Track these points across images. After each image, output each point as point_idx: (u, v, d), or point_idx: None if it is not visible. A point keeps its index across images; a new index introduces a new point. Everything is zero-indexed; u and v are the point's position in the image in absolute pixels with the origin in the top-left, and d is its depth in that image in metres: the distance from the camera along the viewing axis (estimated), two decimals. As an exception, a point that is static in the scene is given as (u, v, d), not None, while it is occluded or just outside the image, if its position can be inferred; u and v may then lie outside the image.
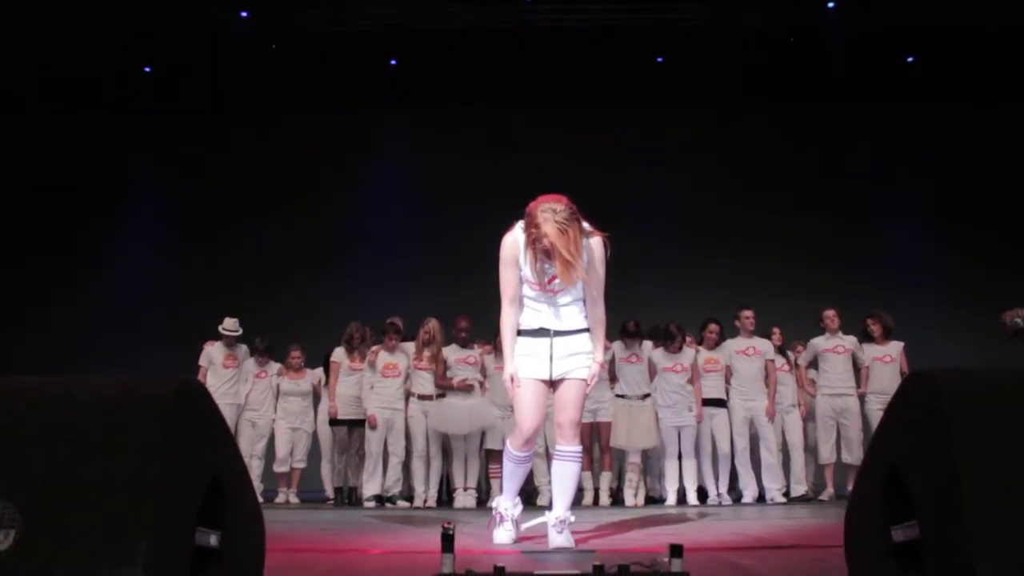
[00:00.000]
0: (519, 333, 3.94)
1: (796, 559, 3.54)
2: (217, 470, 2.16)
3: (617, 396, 7.49)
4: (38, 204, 11.31)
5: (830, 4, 10.29)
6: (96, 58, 10.52)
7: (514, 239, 3.85)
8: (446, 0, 10.33)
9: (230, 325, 8.41)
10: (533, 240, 3.67)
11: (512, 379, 3.92)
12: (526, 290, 3.90)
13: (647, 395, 7.47)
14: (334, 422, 8.00)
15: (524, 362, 3.89)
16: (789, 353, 8.19)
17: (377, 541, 4.40)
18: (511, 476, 4.11)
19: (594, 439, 7.59)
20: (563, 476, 3.94)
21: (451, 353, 7.59)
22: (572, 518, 3.94)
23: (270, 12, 10.47)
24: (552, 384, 3.93)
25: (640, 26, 10.52)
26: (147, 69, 11.17)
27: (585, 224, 3.79)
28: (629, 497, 7.41)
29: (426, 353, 7.62)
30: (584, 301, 3.94)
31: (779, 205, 11.26)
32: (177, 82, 10.99)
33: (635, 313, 7.91)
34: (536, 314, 3.90)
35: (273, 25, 10.63)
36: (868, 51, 10.48)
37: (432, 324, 7.67)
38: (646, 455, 7.62)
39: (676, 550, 2.11)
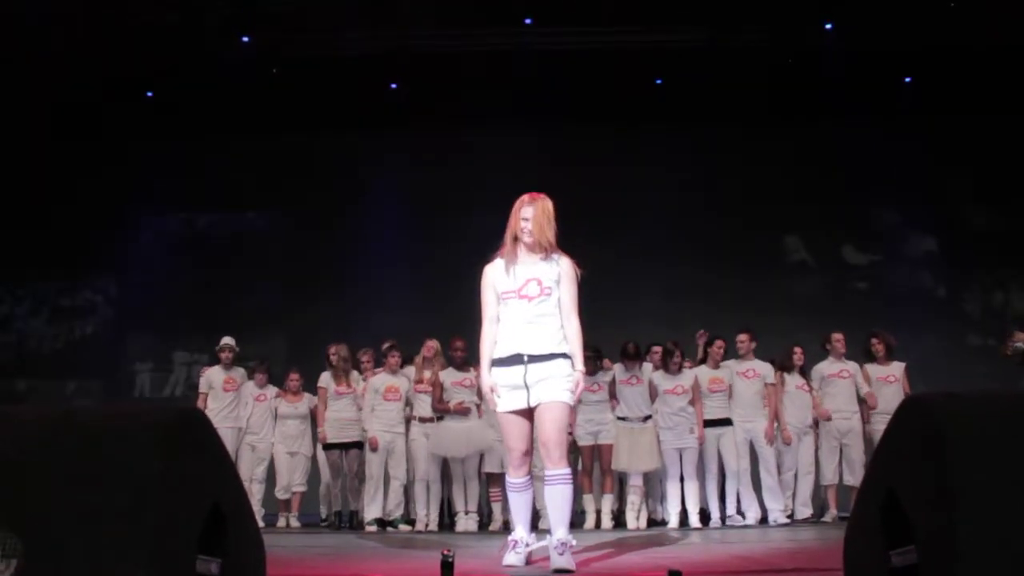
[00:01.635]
0: (495, 363, 4.10)
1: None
2: (217, 497, 2.17)
3: (618, 419, 7.47)
4: (39, 223, 11.28)
5: (828, 25, 10.33)
6: (98, 83, 10.57)
7: (491, 265, 4.21)
8: (446, 23, 10.38)
9: (229, 342, 8.39)
10: (519, 208, 4.15)
11: (492, 390, 4.10)
12: (503, 308, 4.12)
13: (648, 417, 7.46)
14: (326, 446, 8.00)
15: (502, 395, 4.07)
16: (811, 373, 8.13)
17: (379, 566, 4.39)
18: (516, 508, 4.22)
19: (595, 462, 7.57)
20: (557, 499, 4.00)
21: (447, 376, 7.55)
22: (574, 541, 3.94)
23: (271, 36, 10.52)
24: (532, 411, 4.05)
25: (638, 49, 10.57)
26: (149, 94, 11.22)
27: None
28: (631, 520, 7.37)
29: (426, 375, 7.62)
30: (558, 319, 4.10)
31: (778, 222, 11.31)
32: (178, 107, 11.01)
33: (637, 331, 7.91)
34: (511, 336, 4.06)
35: (274, 49, 10.68)
36: (866, 70, 10.51)
37: (433, 344, 7.68)
38: (648, 477, 7.60)
39: (675, 575, 2.11)
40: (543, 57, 10.59)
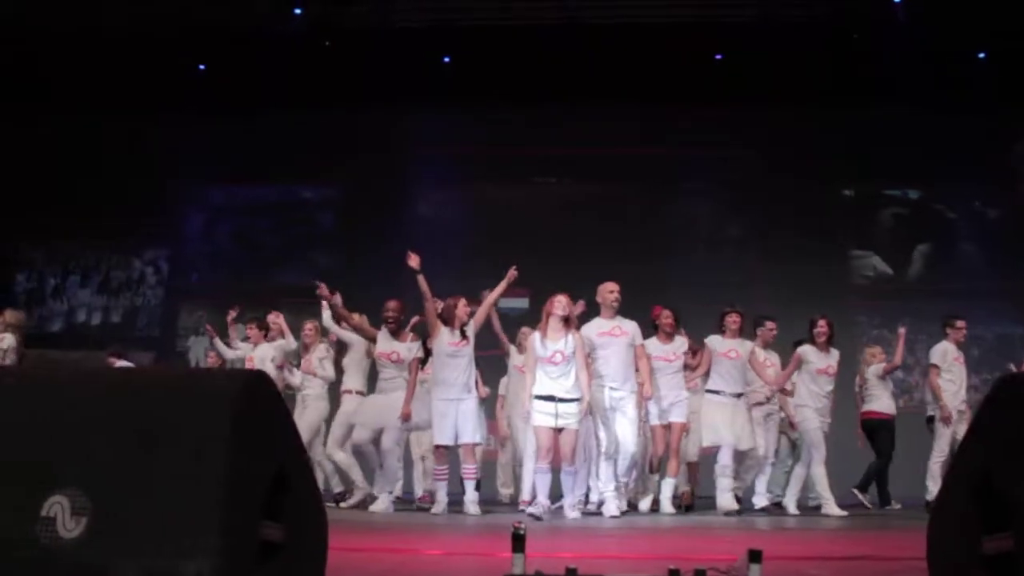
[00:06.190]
0: (538, 397, 6.13)
1: (877, 571, 3.49)
2: (282, 462, 2.13)
3: (709, 392, 6.96)
4: (90, 195, 11.40)
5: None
6: (151, 55, 10.64)
7: (535, 337, 6.27)
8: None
9: (11, 318, 7.45)
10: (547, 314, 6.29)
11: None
12: (541, 365, 6.17)
13: (741, 395, 6.94)
14: None
15: (541, 416, 6.12)
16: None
17: (441, 542, 4.45)
18: (542, 483, 6.18)
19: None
20: (568, 483, 6.31)
21: (382, 343, 6.89)
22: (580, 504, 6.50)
23: (323, 9, 10.52)
24: (557, 429, 6.12)
25: (697, 23, 10.36)
26: (201, 67, 11.28)
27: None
28: (726, 501, 6.72)
29: (314, 355, 7.59)
30: (574, 373, 6.13)
31: (841, 202, 11.12)
32: (231, 79, 11.00)
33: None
34: (548, 383, 6.13)
35: (327, 22, 10.67)
36: (938, 46, 10.05)
37: (311, 326, 7.74)
38: (741, 457, 6.97)
39: (755, 556, 2.02)
40: (597, 32, 10.46)
